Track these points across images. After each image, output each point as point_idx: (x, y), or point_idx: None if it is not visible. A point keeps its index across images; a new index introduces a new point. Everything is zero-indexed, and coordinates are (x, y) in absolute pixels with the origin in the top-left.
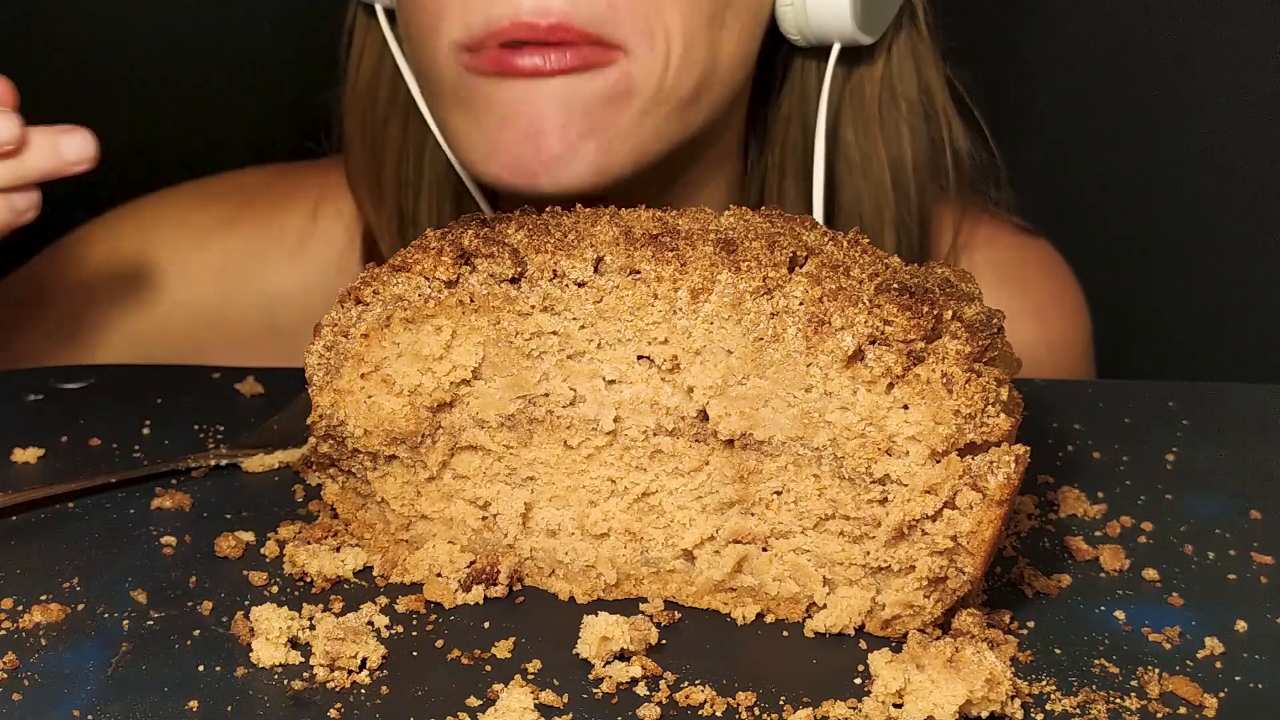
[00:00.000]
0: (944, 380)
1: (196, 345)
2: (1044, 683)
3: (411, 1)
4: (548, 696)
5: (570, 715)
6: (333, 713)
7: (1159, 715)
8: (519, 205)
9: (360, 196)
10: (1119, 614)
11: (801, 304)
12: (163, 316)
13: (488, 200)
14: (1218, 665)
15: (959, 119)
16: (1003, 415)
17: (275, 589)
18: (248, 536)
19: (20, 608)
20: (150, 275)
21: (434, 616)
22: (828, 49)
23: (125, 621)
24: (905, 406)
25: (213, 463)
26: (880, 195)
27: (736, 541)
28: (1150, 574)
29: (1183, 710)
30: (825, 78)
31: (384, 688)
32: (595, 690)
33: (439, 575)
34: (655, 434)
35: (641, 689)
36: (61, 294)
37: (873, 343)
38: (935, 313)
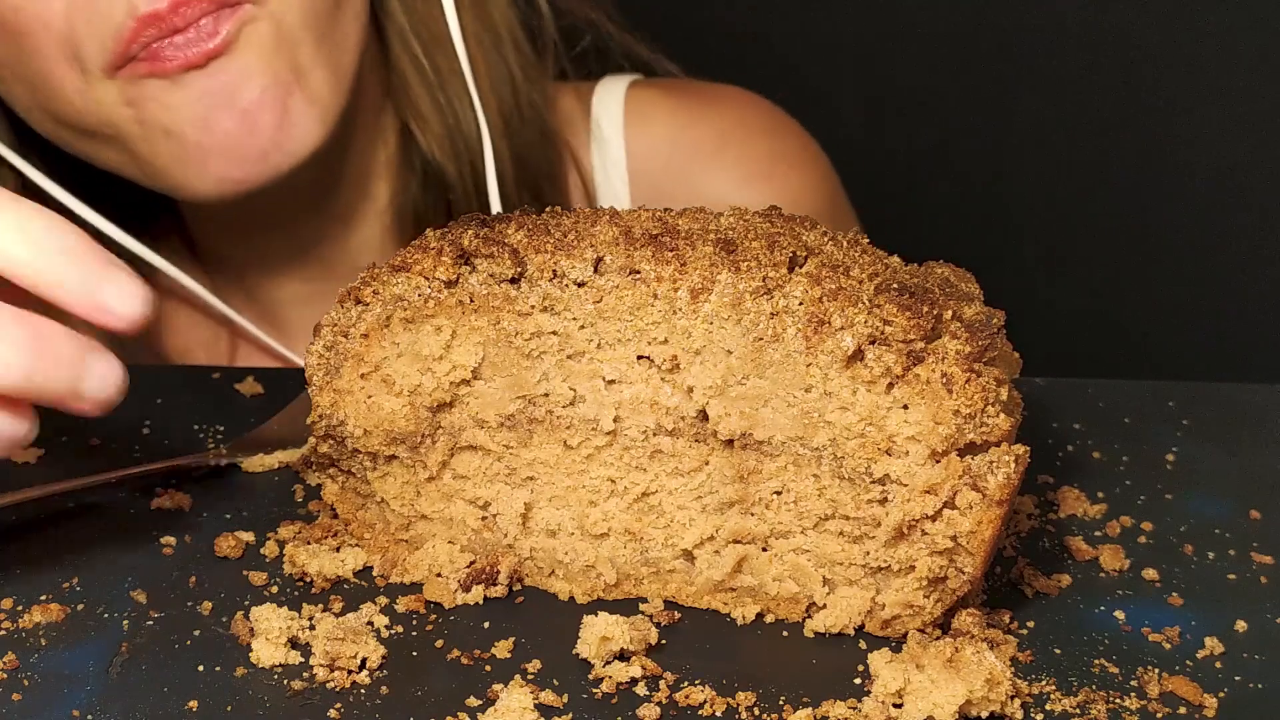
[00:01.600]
0: (944, 380)
1: None
2: (1044, 683)
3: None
4: (548, 696)
5: (570, 715)
6: (332, 713)
7: (1159, 715)
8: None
9: None
10: (1119, 614)
11: (801, 304)
12: None
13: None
14: (1217, 665)
15: None
16: (1003, 415)
17: (275, 589)
18: (248, 536)
19: (20, 608)
20: None
21: (434, 616)
22: None
23: (125, 621)
24: (905, 406)
25: (213, 463)
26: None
27: (736, 541)
28: (1150, 574)
29: (1183, 710)
30: None
31: (384, 688)
32: (595, 690)
33: (439, 575)
34: (655, 434)
35: (641, 689)
36: None
37: (873, 343)
38: (935, 313)
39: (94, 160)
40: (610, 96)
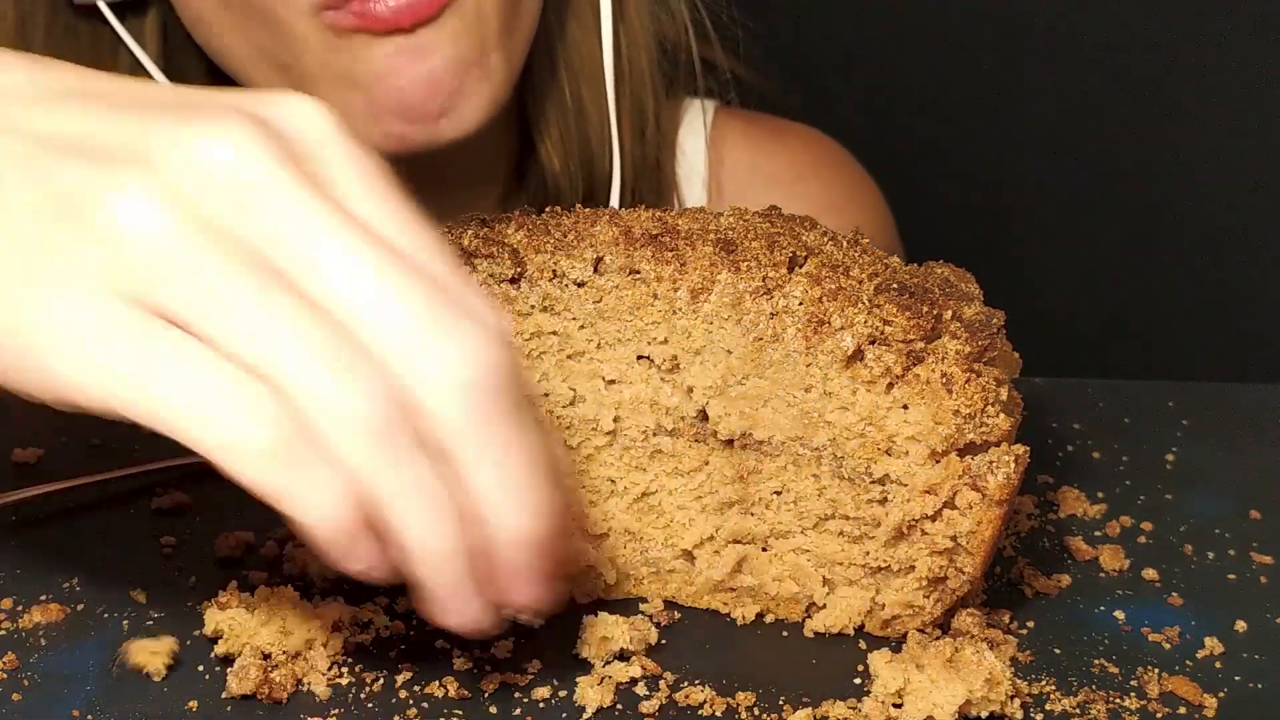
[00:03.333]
0: (944, 380)
1: None
2: (1044, 683)
3: None
4: (545, 694)
5: (569, 715)
6: (333, 713)
7: (1159, 715)
8: None
9: None
10: (1119, 614)
11: (801, 304)
12: None
13: None
14: (1217, 665)
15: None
16: (1002, 415)
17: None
18: (248, 536)
19: (20, 608)
20: None
21: None
22: None
23: (125, 621)
24: (905, 406)
25: None
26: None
27: (736, 541)
28: (1150, 574)
29: (1183, 710)
30: None
31: (382, 687)
32: (595, 690)
33: None
34: (655, 434)
35: (641, 689)
36: None
37: (872, 343)
38: (935, 313)
39: (254, 84)
40: (697, 119)
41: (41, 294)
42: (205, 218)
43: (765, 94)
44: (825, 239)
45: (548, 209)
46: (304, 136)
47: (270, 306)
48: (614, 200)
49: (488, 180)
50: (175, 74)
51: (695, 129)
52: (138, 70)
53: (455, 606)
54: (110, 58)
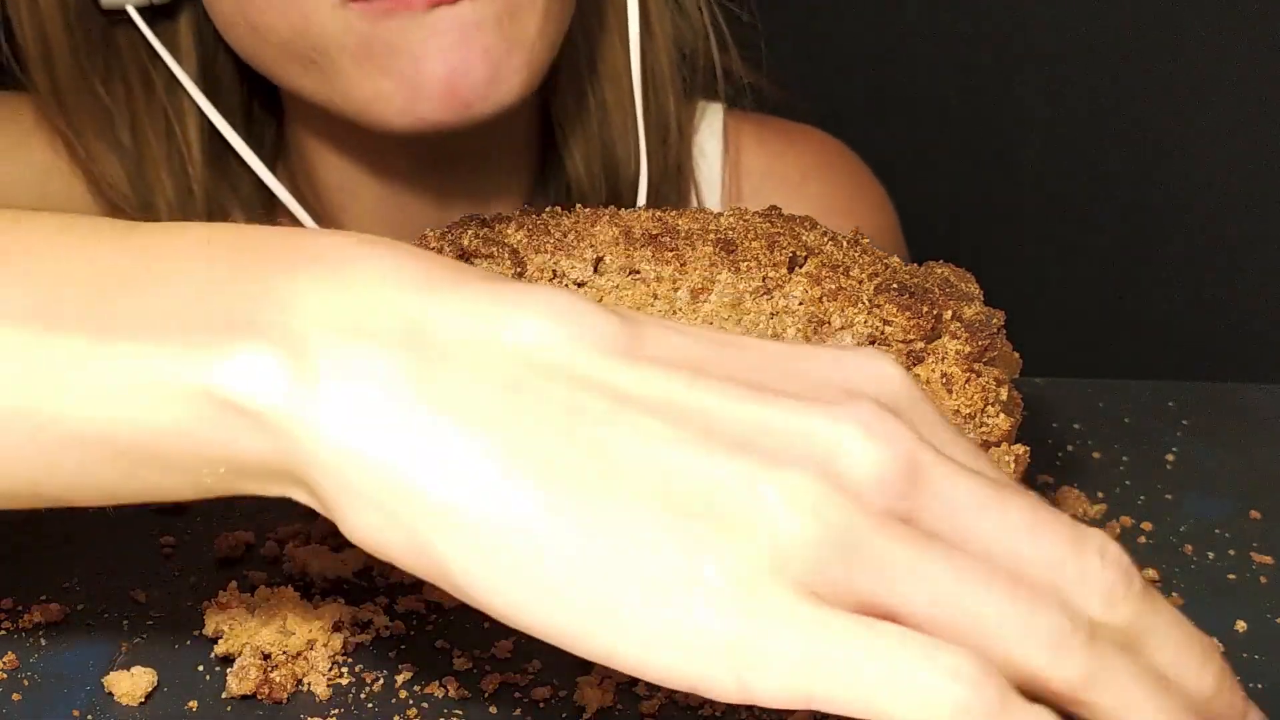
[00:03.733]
0: (944, 380)
1: None
2: None
3: None
4: (546, 693)
5: (569, 715)
6: (333, 713)
7: None
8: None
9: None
10: None
11: (801, 304)
12: None
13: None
14: None
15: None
16: (1003, 415)
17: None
18: (248, 536)
19: (20, 608)
20: None
21: (434, 616)
22: None
23: (125, 621)
24: None
25: None
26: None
27: None
28: (1150, 574)
29: None
30: None
31: (382, 687)
32: (595, 690)
33: None
34: None
35: (641, 689)
36: None
37: (872, 343)
38: (935, 313)
39: (283, 81)
40: (715, 122)
41: (734, 596)
42: (873, 508)
43: (764, 95)
44: (825, 239)
45: (548, 209)
46: (898, 400)
47: (946, 565)
48: (641, 203)
49: (510, 190)
50: (211, 80)
51: (713, 132)
52: (173, 80)
53: None
54: (150, 64)
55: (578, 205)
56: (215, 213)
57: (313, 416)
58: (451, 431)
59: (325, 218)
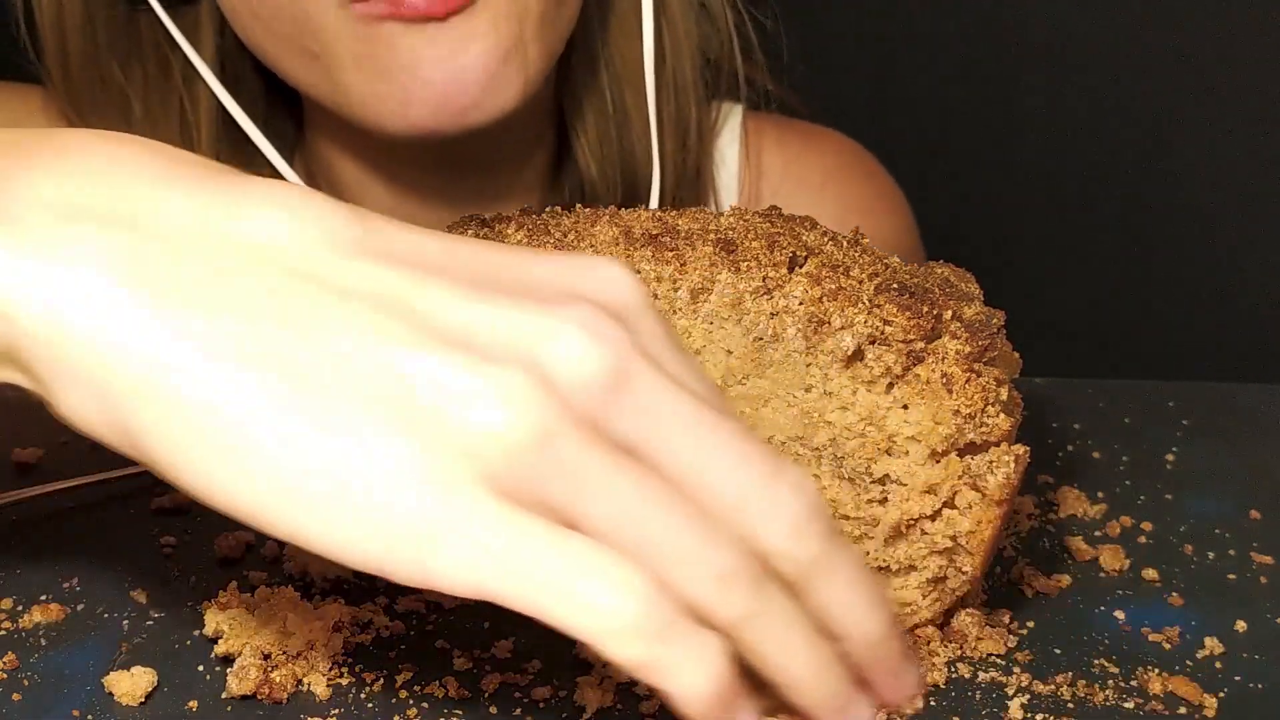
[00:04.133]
0: (944, 380)
1: None
2: (1044, 683)
3: None
4: (545, 693)
5: (569, 715)
6: (333, 713)
7: (1159, 715)
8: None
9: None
10: (1119, 614)
11: (801, 304)
12: None
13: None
14: (1218, 665)
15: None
16: (1002, 415)
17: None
18: (248, 536)
19: (20, 608)
20: None
21: (434, 616)
22: None
23: (125, 621)
24: (905, 406)
25: None
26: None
27: None
28: (1150, 574)
29: (1183, 710)
30: None
31: (382, 687)
32: (595, 690)
33: None
34: None
35: (641, 689)
36: None
37: (872, 343)
38: (935, 313)
39: (285, 73)
40: (735, 125)
41: (424, 484)
42: (576, 412)
43: (774, 96)
44: (825, 239)
45: (548, 209)
46: (625, 309)
47: (634, 484)
48: (654, 206)
49: (523, 191)
50: (230, 74)
51: (733, 135)
52: (190, 66)
53: (844, 713)
54: (169, 51)
55: (578, 205)
56: None
57: (24, 294)
58: (153, 311)
59: None
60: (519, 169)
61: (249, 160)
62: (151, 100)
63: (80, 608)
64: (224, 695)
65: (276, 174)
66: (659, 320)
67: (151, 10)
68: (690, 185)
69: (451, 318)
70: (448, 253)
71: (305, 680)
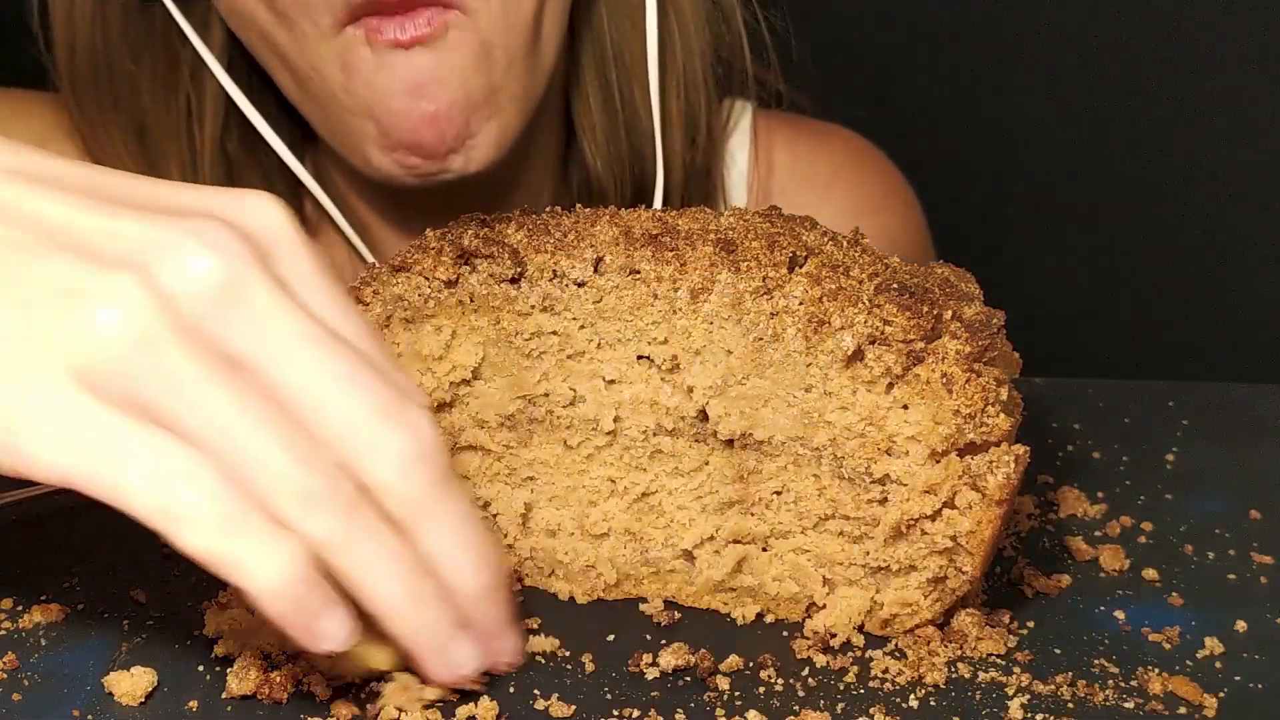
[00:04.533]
0: (944, 380)
1: None
2: (1044, 683)
3: None
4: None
5: (569, 715)
6: (334, 712)
7: (1159, 715)
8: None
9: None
10: (1119, 614)
11: (801, 304)
12: None
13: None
14: (1218, 665)
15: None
16: (1002, 415)
17: None
18: None
19: (20, 608)
20: None
21: None
22: None
23: (125, 621)
24: (905, 406)
25: None
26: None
27: (736, 541)
28: (1150, 574)
29: (1183, 710)
30: None
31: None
32: (595, 691)
33: None
34: (655, 434)
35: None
36: None
37: (872, 343)
38: (935, 313)
39: (289, 96)
40: (744, 123)
41: (19, 376)
42: (181, 319)
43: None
44: (825, 239)
45: (548, 209)
46: (266, 235)
47: (230, 395)
48: (657, 203)
49: (533, 188)
50: (240, 75)
51: (743, 136)
52: (200, 60)
53: (443, 652)
54: (179, 46)
55: (578, 205)
56: None
57: None
58: None
59: (349, 210)
60: (530, 175)
61: (257, 154)
62: (157, 91)
63: (80, 608)
64: (224, 695)
65: (285, 168)
66: (308, 252)
67: (162, 3)
68: (699, 184)
69: (76, 226)
70: (89, 177)
71: (305, 680)
